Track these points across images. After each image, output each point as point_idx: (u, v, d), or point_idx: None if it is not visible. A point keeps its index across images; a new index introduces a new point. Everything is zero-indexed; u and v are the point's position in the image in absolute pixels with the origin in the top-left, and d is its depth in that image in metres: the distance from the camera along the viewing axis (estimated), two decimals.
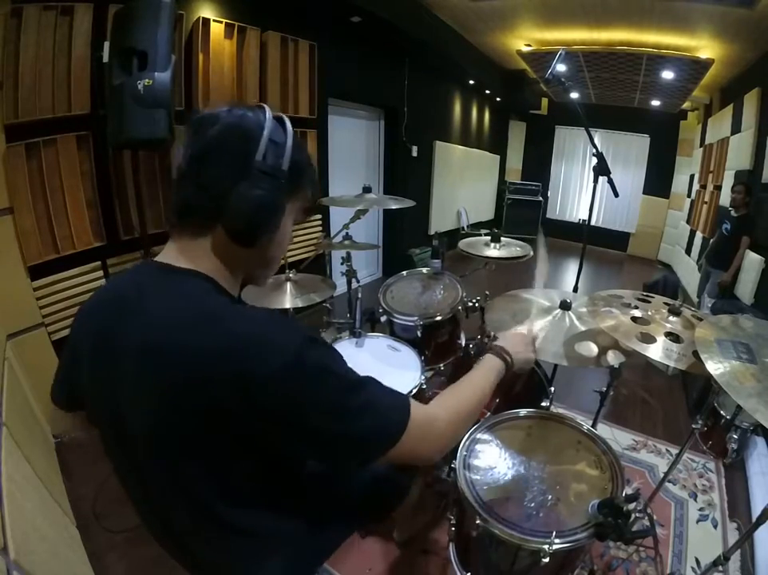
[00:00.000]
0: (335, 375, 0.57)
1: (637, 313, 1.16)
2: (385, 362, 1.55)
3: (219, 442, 0.54)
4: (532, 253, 1.88)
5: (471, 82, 5.75)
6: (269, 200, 0.59)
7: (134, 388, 0.56)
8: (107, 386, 0.59)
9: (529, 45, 4.57)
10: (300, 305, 1.73)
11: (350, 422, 0.57)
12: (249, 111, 0.61)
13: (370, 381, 0.62)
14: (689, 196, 5.93)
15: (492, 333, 1.50)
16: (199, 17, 2.44)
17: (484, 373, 0.84)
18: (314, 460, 0.68)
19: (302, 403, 0.54)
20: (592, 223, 1.86)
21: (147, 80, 1.70)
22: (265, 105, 0.62)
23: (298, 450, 0.61)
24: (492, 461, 1.06)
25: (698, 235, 4.95)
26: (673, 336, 1.06)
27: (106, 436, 0.65)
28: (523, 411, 1.22)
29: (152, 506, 0.66)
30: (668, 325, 1.11)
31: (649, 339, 1.05)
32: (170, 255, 0.62)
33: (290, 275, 1.81)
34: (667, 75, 4.56)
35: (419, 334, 1.67)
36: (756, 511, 1.71)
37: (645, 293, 1.30)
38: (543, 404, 1.38)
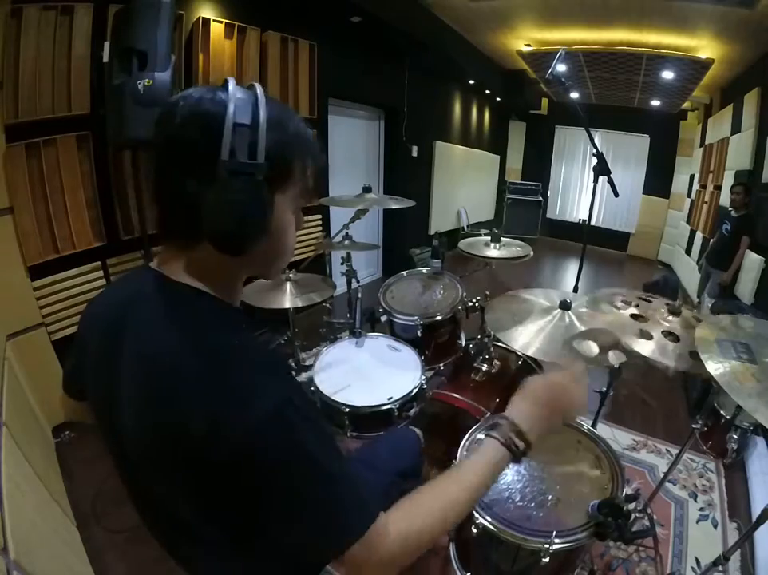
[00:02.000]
0: (308, 449, 0.50)
1: (635, 311, 1.16)
2: (385, 362, 1.54)
3: (191, 479, 0.52)
4: (532, 253, 1.88)
5: (471, 82, 5.74)
6: (248, 203, 0.50)
7: (126, 398, 0.56)
8: (106, 388, 0.59)
9: (529, 45, 4.57)
10: (300, 305, 1.74)
11: (304, 507, 0.50)
12: (209, 93, 0.51)
13: (343, 477, 0.52)
14: (689, 196, 5.93)
15: (483, 331, 1.49)
16: (199, 17, 2.44)
17: (479, 473, 0.60)
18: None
19: (264, 469, 0.48)
20: (592, 223, 1.86)
21: (147, 80, 1.70)
22: (230, 79, 0.51)
23: (248, 511, 0.51)
24: None
25: (698, 235, 4.95)
26: (672, 336, 1.07)
27: (105, 435, 0.65)
28: None
29: (149, 504, 0.66)
30: (666, 324, 1.11)
31: (647, 336, 1.05)
32: (166, 264, 0.57)
33: (291, 275, 1.81)
34: (667, 75, 4.55)
35: (419, 334, 1.67)
36: (756, 511, 1.71)
37: (647, 294, 1.30)
38: None
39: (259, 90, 0.52)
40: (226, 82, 0.52)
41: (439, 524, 0.56)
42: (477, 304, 1.77)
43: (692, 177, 5.87)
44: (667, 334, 1.07)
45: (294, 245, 0.63)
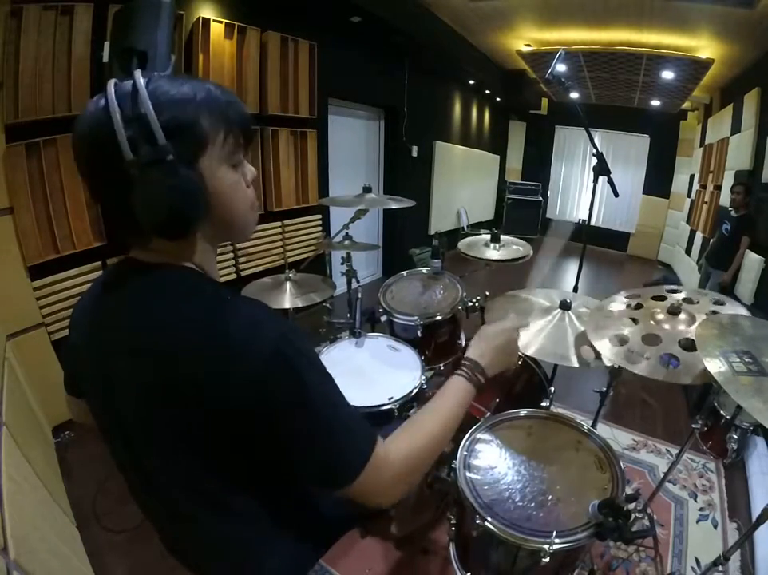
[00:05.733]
0: (314, 376, 0.55)
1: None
2: (385, 362, 1.54)
3: (208, 437, 0.55)
4: (532, 253, 1.88)
5: (471, 82, 5.74)
6: (171, 187, 0.49)
7: (124, 385, 0.57)
8: (101, 382, 0.60)
9: (529, 45, 4.57)
10: (300, 305, 1.74)
11: (319, 431, 0.54)
12: (93, 103, 0.51)
13: (345, 405, 0.58)
14: (689, 196, 5.93)
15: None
16: (199, 17, 2.44)
17: (451, 403, 0.71)
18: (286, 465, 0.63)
19: (278, 399, 0.52)
20: (592, 223, 1.86)
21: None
22: (110, 81, 0.50)
23: (273, 454, 0.57)
24: (492, 461, 1.06)
25: (698, 235, 4.95)
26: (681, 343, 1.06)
27: (104, 429, 0.66)
28: (523, 411, 1.22)
29: (152, 496, 0.67)
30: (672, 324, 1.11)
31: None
32: (138, 252, 0.58)
33: (291, 274, 1.81)
34: (667, 75, 4.56)
35: (419, 334, 1.67)
36: (756, 511, 1.71)
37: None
38: (543, 404, 1.38)
39: (138, 77, 0.50)
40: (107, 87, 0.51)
41: (432, 444, 0.65)
42: (477, 304, 1.77)
43: (692, 177, 5.87)
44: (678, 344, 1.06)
45: (254, 198, 0.62)
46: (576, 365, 1.21)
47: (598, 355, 1.17)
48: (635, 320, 1.15)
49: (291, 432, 0.54)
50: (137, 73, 0.50)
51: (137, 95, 0.49)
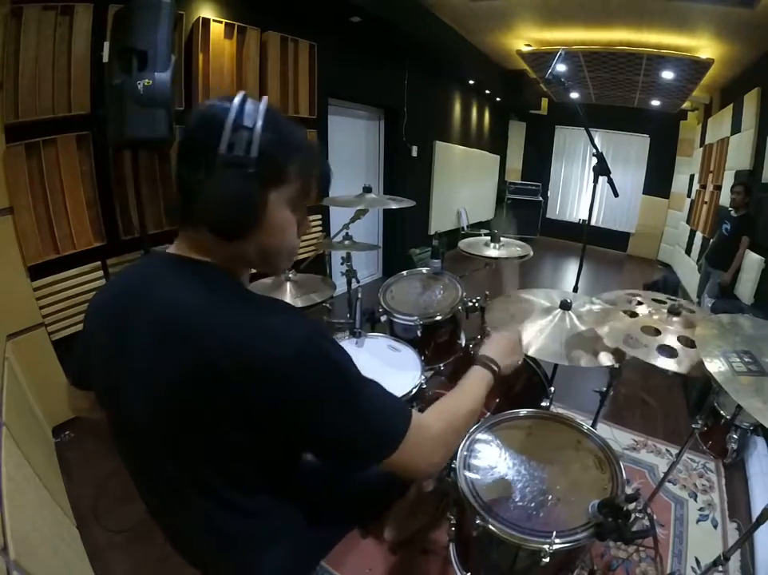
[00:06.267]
0: (343, 370, 0.58)
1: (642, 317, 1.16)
2: (385, 362, 1.55)
3: (221, 431, 0.55)
4: (532, 253, 1.88)
5: (471, 82, 5.74)
6: (235, 193, 0.55)
7: (139, 373, 0.58)
8: (120, 377, 0.60)
9: (529, 45, 4.57)
10: (300, 305, 1.74)
11: (355, 420, 0.57)
12: (219, 100, 0.59)
13: (374, 382, 0.63)
14: (689, 196, 5.93)
15: (484, 332, 1.51)
16: (199, 17, 2.44)
17: (474, 386, 0.80)
18: (314, 455, 0.67)
19: (309, 396, 0.54)
20: (592, 223, 1.86)
21: (147, 80, 1.70)
22: (241, 92, 0.59)
23: (301, 444, 0.61)
24: (492, 461, 1.06)
25: (698, 235, 4.95)
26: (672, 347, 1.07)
27: (113, 421, 0.66)
28: (523, 411, 1.22)
29: (158, 491, 0.67)
30: (670, 327, 1.11)
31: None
32: (180, 247, 0.63)
33: (291, 275, 1.81)
34: (667, 75, 4.56)
35: (419, 334, 1.67)
36: (756, 511, 1.71)
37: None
38: (543, 404, 1.38)
39: (264, 100, 0.59)
40: (241, 94, 0.59)
41: (463, 422, 0.72)
42: (476, 304, 1.78)
43: (692, 177, 5.87)
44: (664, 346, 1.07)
45: (297, 247, 0.67)
46: (581, 364, 1.21)
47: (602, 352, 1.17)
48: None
49: (336, 416, 0.56)
50: (264, 98, 0.59)
51: (256, 112, 0.57)
